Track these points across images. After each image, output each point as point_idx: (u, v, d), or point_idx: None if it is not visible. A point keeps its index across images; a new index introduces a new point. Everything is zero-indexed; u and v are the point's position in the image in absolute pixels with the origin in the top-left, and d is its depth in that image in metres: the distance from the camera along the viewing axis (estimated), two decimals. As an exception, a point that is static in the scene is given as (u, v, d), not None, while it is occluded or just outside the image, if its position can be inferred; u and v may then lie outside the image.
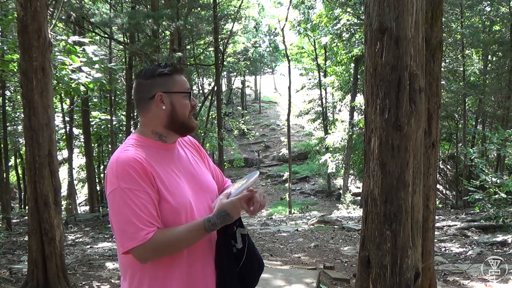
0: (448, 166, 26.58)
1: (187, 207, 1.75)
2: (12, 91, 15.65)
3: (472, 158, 10.52)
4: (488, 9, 17.46)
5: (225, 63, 21.19)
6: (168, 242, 1.64)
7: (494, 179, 9.68)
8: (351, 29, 20.21)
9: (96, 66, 7.83)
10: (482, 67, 19.98)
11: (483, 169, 10.09)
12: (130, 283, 1.75)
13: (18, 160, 22.07)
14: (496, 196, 9.34)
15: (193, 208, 1.77)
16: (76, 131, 19.49)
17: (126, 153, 1.70)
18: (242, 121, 35.64)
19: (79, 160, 24.85)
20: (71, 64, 7.33)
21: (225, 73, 35.12)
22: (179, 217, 1.71)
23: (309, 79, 32.94)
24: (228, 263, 1.78)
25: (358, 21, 19.05)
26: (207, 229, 1.67)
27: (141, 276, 1.72)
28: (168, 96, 1.80)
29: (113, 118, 17.30)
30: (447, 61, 18.40)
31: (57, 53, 7.70)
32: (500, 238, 8.66)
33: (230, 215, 1.69)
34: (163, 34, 14.13)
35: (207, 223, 1.67)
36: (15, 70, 9.09)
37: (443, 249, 8.37)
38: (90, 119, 17.31)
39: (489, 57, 19.28)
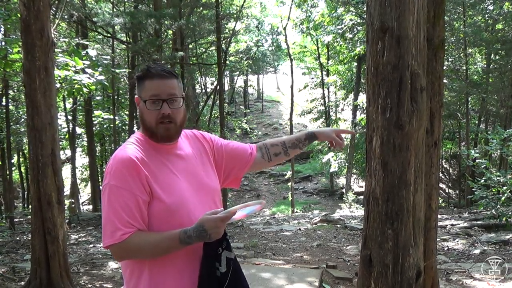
0: (451, 165, 26.54)
1: (183, 206, 1.74)
2: (15, 91, 15.70)
3: (474, 158, 10.51)
4: (491, 7, 17.41)
5: (227, 62, 21.16)
6: (142, 246, 1.65)
7: (498, 178, 9.66)
8: (354, 29, 20.18)
9: (100, 69, 7.87)
10: (485, 66, 19.92)
11: (487, 167, 10.07)
12: (129, 280, 1.77)
13: (21, 159, 22.11)
14: (505, 195, 9.31)
15: (190, 208, 1.76)
16: (79, 130, 19.54)
17: (124, 151, 1.72)
18: (245, 121, 35.55)
19: (82, 159, 24.89)
20: (75, 66, 7.37)
21: (227, 72, 35.08)
22: (174, 216, 1.72)
23: (312, 78, 32.88)
24: (209, 285, 1.71)
25: (360, 21, 19.03)
26: (182, 241, 1.64)
27: (139, 273, 1.74)
28: (139, 101, 1.82)
29: (116, 118, 17.31)
30: (449, 60, 18.36)
31: (59, 55, 7.73)
32: (503, 237, 8.65)
33: (206, 232, 1.62)
34: (165, 33, 14.12)
35: (182, 234, 1.64)
36: (17, 70, 9.14)
37: (446, 248, 8.36)
38: (93, 119, 17.35)
39: (492, 56, 19.20)
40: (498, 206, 9.59)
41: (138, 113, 1.85)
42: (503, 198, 9.34)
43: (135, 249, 1.65)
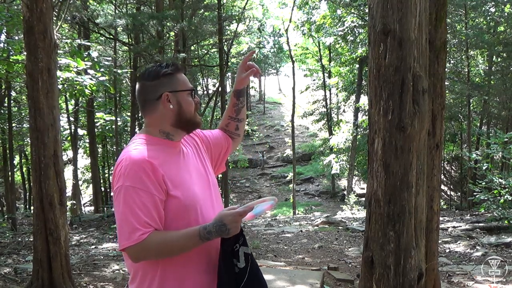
0: (452, 167, 26.51)
1: (196, 202, 1.77)
2: (17, 92, 15.71)
3: (475, 161, 10.51)
4: (492, 10, 17.41)
5: (229, 64, 21.17)
6: (162, 244, 1.64)
7: (500, 180, 9.66)
8: (355, 31, 20.19)
9: (102, 70, 7.89)
10: (487, 68, 19.92)
11: (490, 169, 10.07)
12: (141, 283, 1.76)
13: (23, 161, 22.12)
14: (505, 197, 9.31)
15: (201, 203, 1.79)
16: (81, 131, 19.56)
17: (136, 152, 1.71)
18: (247, 122, 35.49)
19: (83, 160, 24.91)
20: (77, 67, 7.38)
21: (229, 74, 35.08)
22: (189, 212, 1.73)
23: (314, 80, 32.92)
24: (228, 281, 1.73)
25: (362, 23, 19.04)
26: (202, 237, 1.65)
27: (153, 275, 1.73)
28: (174, 95, 1.82)
29: (118, 119, 17.33)
30: (451, 62, 18.36)
31: (62, 56, 7.74)
32: (505, 239, 8.64)
33: (226, 226, 1.64)
34: (167, 35, 14.16)
35: (202, 230, 1.65)
36: (20, 71, 9.15)
37: (447, 250, 8.36)
38: (95, 120, 17.38)
39: (494, 58, 19.22)
40: (500, 208, 9.59)
41: (170, 108, 1.83)
42: (502, 200, 9.34)
43: (154, 249, 1.64)
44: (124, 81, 17.14)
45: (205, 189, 1.87)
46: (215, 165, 2.18)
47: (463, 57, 18.43)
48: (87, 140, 19.52)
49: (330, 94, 30.27)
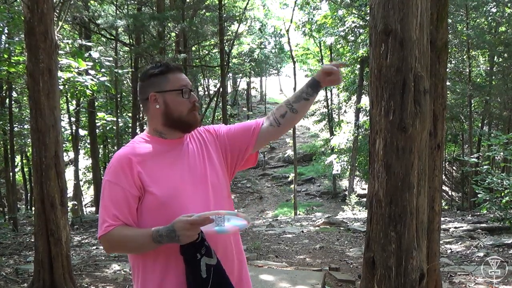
0: (454, 168, 26.47)
1: (176, 199, 1.75)
2: (18, 93, 15.72)
3: (476, 164, 10.50)
4: (494, 10, 17.39)
5: (230, 64, 21.19)
6: (123, 239, 1.68)
7: (501, 181, 9.64)
8: (356, 31, 20.19)
9: (103, 70, 7.91)
10: (488, 68, 19.90)
11: (490, 171, 10.04)
12: (133, 274, 1.84)
13: (24, 161, 22.12)
14: (506, 198, 9.29)
15: (184, 201, 1.76)
16: (82, 132, 19.57)
17: (122, 149, 1.80)
18: (247, 123, 35.45)
19: (85, 161, 24.92)
20: (78, 68, 7.40)
21: (230, 74, 35.14)
22: (166, 208, 1.73)
23: (314, 81, 32.84)
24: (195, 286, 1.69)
25: (363, 23, 19.04)
26: (154, 239, 1.63)
27: (137, 269, 1.79)
28: (161, 95, 1.84)
29: (119, 120, 17.34)
30: (452, 62, 18.35)
31: (63, 57, 7.76)
32: (506, 240, 8.62)
33: (176, 233, 1.58)
34: (168, 35, 14.17)
35: (155, 233, 1.63)
36: (21, 72, 9.17)
37: (449, 251, 8.34)
38: (96, 121, 17.38)
39: (495, 58, 19.19)
40: (502, 209, 9.56)
41: (156, 108, 1.84)
42: (504, 201, 9.32)
43: (117, 243, 1.70)
44: (125, 82, 17.15)
45: (199, 188, 1.83)
46: (236, 162, 2.07)
47: (465, 57, 18.41)
48: (88, 141, 19.52)
49: (331, 94, 30.27)
